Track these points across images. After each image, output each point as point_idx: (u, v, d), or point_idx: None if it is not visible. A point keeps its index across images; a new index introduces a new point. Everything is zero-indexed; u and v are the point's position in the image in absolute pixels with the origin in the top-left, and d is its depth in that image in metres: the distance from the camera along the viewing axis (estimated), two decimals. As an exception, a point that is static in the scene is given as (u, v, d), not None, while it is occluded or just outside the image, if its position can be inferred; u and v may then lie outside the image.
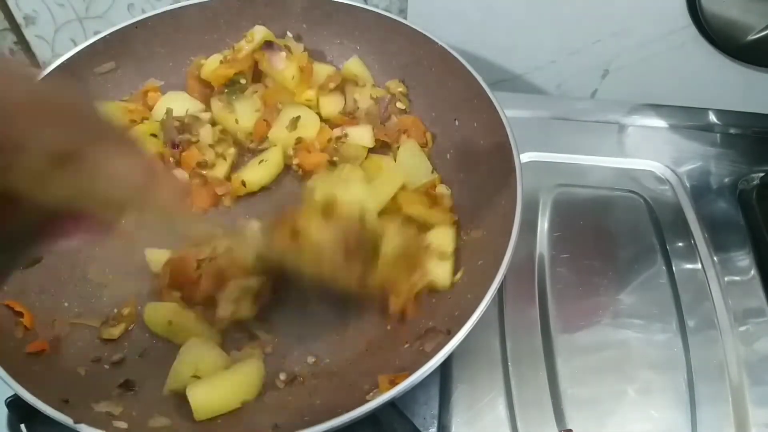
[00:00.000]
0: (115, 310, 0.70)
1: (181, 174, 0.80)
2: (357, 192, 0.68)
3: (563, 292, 0.78)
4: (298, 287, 0.65)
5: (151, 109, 0.84)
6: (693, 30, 0.87)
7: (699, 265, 0.81)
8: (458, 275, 0.70)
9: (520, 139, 0.70)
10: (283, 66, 0.84)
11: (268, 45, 0.84)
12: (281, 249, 0.62)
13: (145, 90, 0.85)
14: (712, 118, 0.97)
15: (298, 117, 0.81)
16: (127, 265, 0.74)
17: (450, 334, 0.59)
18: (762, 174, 0.90)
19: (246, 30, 0.85)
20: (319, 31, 0.88)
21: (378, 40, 0.86)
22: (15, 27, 1.06)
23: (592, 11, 0.88)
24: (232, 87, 0.84)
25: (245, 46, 0.84)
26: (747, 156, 0.93)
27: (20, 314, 0.65)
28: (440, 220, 0.74)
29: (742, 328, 0.76)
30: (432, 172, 0.79)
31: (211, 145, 0.80)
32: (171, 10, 0.84)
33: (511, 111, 0.74)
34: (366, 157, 0.82)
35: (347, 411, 0.54)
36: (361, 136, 0.82)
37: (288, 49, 0.85)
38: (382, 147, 0.83)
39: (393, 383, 0.57)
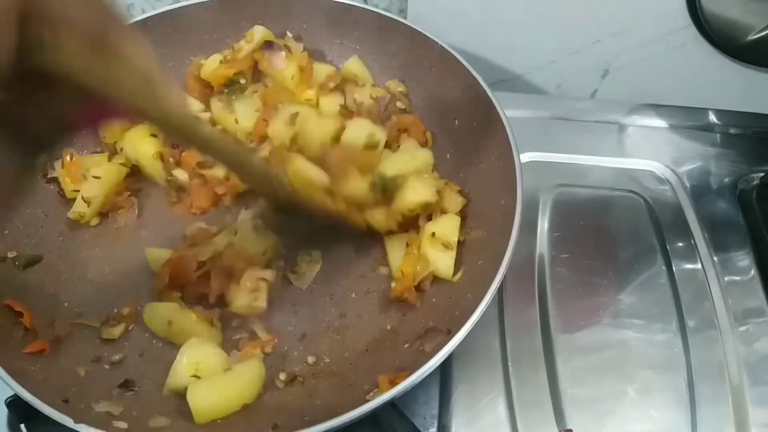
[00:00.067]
0: (115, 310, 0.70)
1: (181, 174, 0.80)
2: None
3: (563, 292, 0.78)
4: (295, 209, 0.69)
5: (151, 108, 0.83)
6: (693, 30, 0.87)
7: (699, 265, 0.81)
8: (458, 275, 0.70)
9: (520, 139, 0.70)
10: (283, 66, 0.84)
11: (267, 45, 0.84)
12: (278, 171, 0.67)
13: (146, 90, 0.84)
14: (712, 118, 0.97)
15: (297, 113, 0.81)
16: (127, 265, 0.74)
17: (450, 333, 0.60)
18: (762, 174, 0.90)
19: (246, 30, 0.85)
20: (319, 31, 0.89)
21: (378, 40, 0.87)
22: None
23: (592, 11, 0.88)
24: (231, 87, 0.84)
25: (245, 46, 0.84)
26: (747, 156, 0.93)
27: (20, 314, 0.65)
28: (450, 201, 0.74)
29: (742, 328, 0.76)
30: (432, 171, 0.79)
31: (211, 145, 0.80)
32: (171, 10, 0.84)
33: (511, 111, 0.74)
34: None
35: (347, 411, 0.54)
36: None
37: (288, 48, 0.85)
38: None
39: (393, 383, 0.57)
